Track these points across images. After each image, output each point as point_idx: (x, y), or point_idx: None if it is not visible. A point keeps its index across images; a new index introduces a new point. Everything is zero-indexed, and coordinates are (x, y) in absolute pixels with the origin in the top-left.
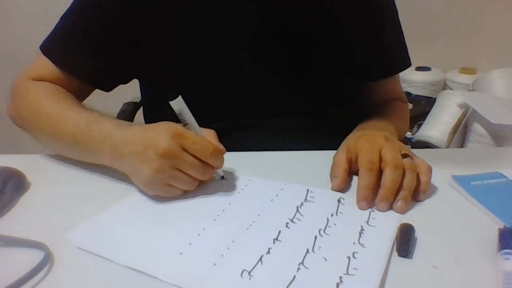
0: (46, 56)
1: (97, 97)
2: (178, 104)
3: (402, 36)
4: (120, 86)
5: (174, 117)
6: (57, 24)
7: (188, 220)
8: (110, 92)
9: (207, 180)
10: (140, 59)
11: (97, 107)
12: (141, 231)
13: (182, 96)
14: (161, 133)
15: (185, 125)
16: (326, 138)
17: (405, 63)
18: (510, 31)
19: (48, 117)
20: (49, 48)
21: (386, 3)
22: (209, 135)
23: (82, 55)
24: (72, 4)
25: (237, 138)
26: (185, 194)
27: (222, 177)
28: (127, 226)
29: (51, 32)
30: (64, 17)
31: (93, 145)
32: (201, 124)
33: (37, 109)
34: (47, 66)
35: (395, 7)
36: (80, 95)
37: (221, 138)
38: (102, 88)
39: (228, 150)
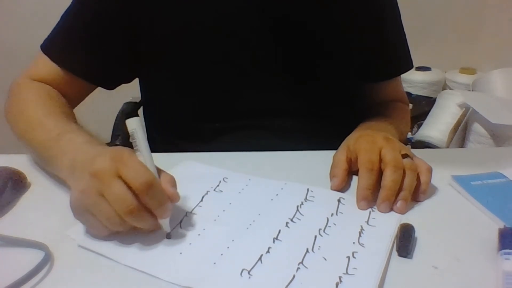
0: (47, 55)
1: (97, 97)
2: (131, 125)
3: (404, 38)
4: (120, 86)
5: (173, 117)
6: (58, 23)
7: (188, 221)
8: (110, 92)
9: (144, 230)
10: (140, 58)
11: (97, 107)
12: (141, 231)
13: (184, 96)
14: (105, 153)
15: (136, 151)
16: (326, 138)
17: (407, 65)
18: (510, 31)
19: (27, 121)
20: (50, 46)
21: (389, 5)
22: (165, 178)
23: (83, 53)
24: (72, 2)
25: (237, 138)
26: (113, 236)
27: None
28: None
29: (52, 31)
30: (65, 16)
31: (56, 155)
32: (203, 124)
33: (21, 111)
34: (47, 66)
35: (398, 9)
36: (79, 95)
37: (221, 138)
38: (104, 86)
39: (228, 150)
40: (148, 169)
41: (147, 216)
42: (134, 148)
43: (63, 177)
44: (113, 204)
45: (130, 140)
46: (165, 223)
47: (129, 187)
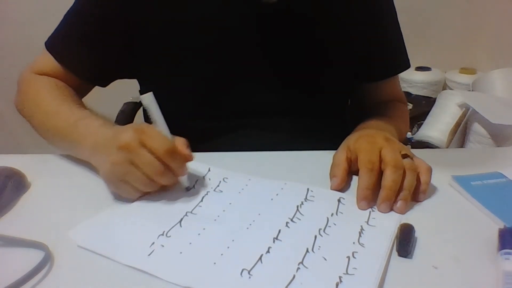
0: (49, 51)
1: (97, 97)
2: (146, 100)
3: (401, 37)
4: (120, 86)
5: (171, 117)
6: (61, 20)
7: (188, 221)
8: (110, 92)
9: (169, 187)
10: (136, 58)
11: (97, 106)
12: (141, 230)
13: (178, 95)
14: (127, 128)
15: (152, 123)
16: (325, 138)
17: (405, 64)
18: (510, 31)
19: (44, 111)
20: (52, 44)
21: (386, 4)
22: (179, 142)
23: (81, 53)
24: (74, 2)
25: (235, 138)
26: (143, 197)
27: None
28: (127, 225)
29: (56, 28)
30: (67, 14)
31: (78, 140)
32: (198, 124)
33: (36, 103)
34: (50, 62)
35: (395, 9)
36: (80, 91)
37: (219, 138)
38: (98, 84)
39: (224, 150)
40: (167, 138)
41: (171, 175)
42: (151, 120)
43: (85, 158)
44: (145, 169)
45: (147, 114)
46: (183, 179)
47: (153, 154)
